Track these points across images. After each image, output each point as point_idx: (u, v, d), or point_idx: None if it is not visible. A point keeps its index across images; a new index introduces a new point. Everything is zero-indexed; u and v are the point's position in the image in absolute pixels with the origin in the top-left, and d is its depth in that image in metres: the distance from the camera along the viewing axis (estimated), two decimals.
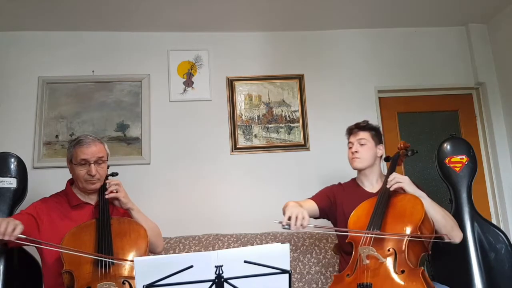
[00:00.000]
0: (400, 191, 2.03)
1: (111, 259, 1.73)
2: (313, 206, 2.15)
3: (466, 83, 3.40)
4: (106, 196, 1.94)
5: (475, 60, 3.37)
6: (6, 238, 1.60)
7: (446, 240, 1.94)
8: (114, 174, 2.14)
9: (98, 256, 1.71)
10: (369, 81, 3.32)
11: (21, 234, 1.64)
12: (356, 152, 2.16)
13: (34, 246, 1.77)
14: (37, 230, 1.85)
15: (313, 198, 2.21)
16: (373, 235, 1.85)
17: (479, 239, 2.45)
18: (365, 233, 1.88)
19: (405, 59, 3.39)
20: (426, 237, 1.87)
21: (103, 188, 1.99)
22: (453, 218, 2.06)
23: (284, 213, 2.11)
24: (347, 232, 1.96)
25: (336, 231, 2.08)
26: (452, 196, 2.55)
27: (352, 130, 2.24)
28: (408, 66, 3.37)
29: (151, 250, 2.04)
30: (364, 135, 2.19)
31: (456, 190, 2.54)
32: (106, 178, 2.05)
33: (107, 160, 2.03)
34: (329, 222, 2.28)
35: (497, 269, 2.41)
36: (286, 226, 1.84)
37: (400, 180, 2.01)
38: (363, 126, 2.22)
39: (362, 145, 2.17)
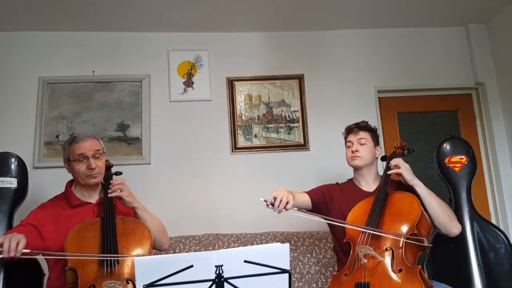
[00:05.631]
0: (399, 177, 2.05)
1: (117, 257, 1.74)
2: (305, 198, 2.17)
3: (465, 83, 3.41)
4: (110, 195, 1.94)
5: (474, 60, 3.38)
6: (12, 254, 1.60)
7: (426, 244, 1.84)
8: (118, 173, 2.14)
9: (104, 256, 1.71)
10: (369, 81, 3.33)
11: (25, 247, 1.64)
12: (356, 151, 2.16)
13: (38, 257, 1.75)
14: (41, 238, 1.86)
15: (308, 191, 2.23)
16: (354, 227, 1.89)
17: (478, 239, 2.46)
18: (343, 224, 1.92)
19: (405, 59, 3.39)
20: (415, 239, 1.84)
21: (106, 186, 2.00)
22: (450, 209, 2.07)
23: None
24: (331, 220, 2.00)
25: (325, 219, 2.08)
26: (451, 196, 2.55)
27: (352, 130, 2.24)
28: (408, 66, 3.38)
29: (157, 248, 2.06)
30: (364, 135, 2.19)
31: (455, 190, 2.55)
32: (111, 177, 2.06)
33: (104, 154, 2.05)
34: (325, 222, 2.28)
35: (496, 269, 2.41)
36: (270, 206, 1.91)
37: (400, 165, 2.03)
38: (363, 126, 2.22)
39: (362, 144, 2.17)
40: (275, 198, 1.91)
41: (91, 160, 1.95)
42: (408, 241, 1.82)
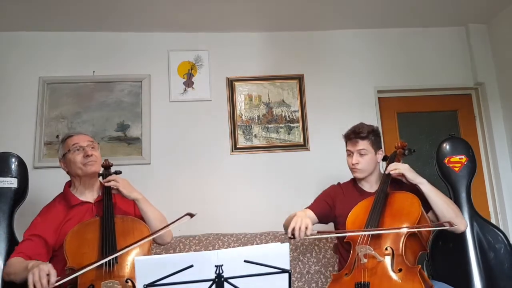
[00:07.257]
0: (402, 178, 2.03)
1: (116, 254, 1.73)
2: (311, 216, 2.14)
3: (465, 83, 3.41)
4: (106, 184, 1.99)
5: (474, 60, 3.38)
6: None
7: (447, 227, 1.81)
8: (117, 172, 2.14)
9: (105, 258, 1.71)
10: (368, 81, 3.33)
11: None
12: (356, 163, 2.12)
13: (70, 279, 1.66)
14: (47, 246, 1.89)
15: (311, 207, 2.20)
16: (372, 232, 1.86)
17: (478, 239, 2.46)
18: (364, 231, 1.88)
19: (405, 59, 3.39)
20: (426, 226, 1.85)
21: (106, 186, 2.01)
22: (456, 206, 2.04)
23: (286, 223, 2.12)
24: (349, 232, 1.96)
25: (339, 233, 2.08)
26: (451, 196, 2.55)
27: (351, 139, 2.15)
28: (408, 66, 3.38)
29: (159, 242, 2.08)
30: (364, 144, 2.11)
31: (455, 190, 2.55)
32: (109, 175, 2.07)
33: (98, 145, 2.10)
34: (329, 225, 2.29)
35: (496, 269, 2.42)
36: (291, 236, 1.90)
37: (399, 167, 2.02)
38: (362, 136, 2.12)
39: (362, 155, 2.12)
40: (294, 228, 1.89)
41: (86, 149, 2.00)
42: (437, 228, 1.80)
